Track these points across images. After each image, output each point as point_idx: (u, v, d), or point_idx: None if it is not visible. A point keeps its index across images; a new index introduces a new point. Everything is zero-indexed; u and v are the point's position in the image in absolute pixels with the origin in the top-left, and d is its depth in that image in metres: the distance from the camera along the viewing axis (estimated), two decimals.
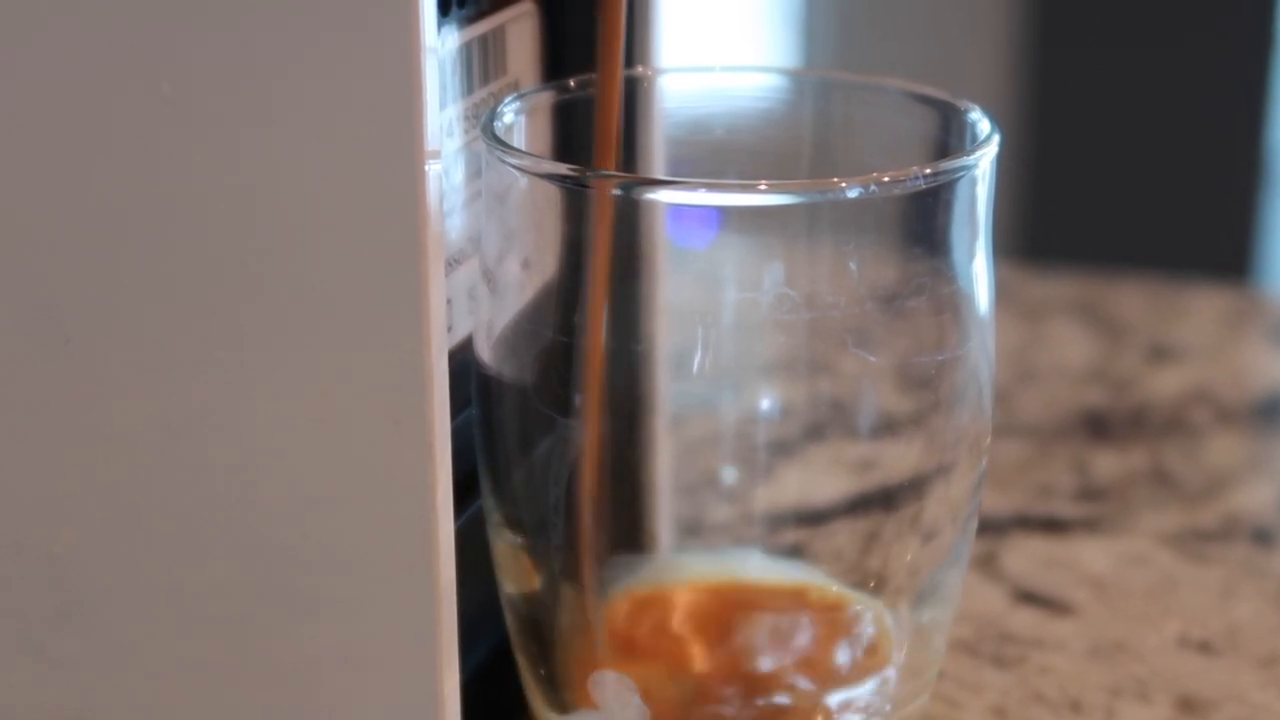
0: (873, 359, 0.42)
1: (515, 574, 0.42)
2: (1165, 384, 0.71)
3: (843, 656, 0.43)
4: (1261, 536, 0.59)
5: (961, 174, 0.39)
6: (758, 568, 0.46)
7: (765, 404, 0.46)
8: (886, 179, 0.38)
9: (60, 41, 0.35)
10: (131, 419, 0.37)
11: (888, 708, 0.42)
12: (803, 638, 0.43)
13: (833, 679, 0.43)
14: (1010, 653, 0.52)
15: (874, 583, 0.44)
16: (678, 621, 0.45)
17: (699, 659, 0.44)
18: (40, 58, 0.36)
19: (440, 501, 0.36)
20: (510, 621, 0.43)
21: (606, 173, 0.40)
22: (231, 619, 0.38)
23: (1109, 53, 1.66)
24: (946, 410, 0.42)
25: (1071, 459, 0.65)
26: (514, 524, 0.42)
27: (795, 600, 0.45)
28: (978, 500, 0.43)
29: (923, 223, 0.40)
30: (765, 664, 0.43)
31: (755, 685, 0.43)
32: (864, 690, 0.42)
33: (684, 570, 0.46)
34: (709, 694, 0.42)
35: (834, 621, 0.44)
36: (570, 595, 0.42)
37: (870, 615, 0.43)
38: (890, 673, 0.42)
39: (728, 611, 0.45)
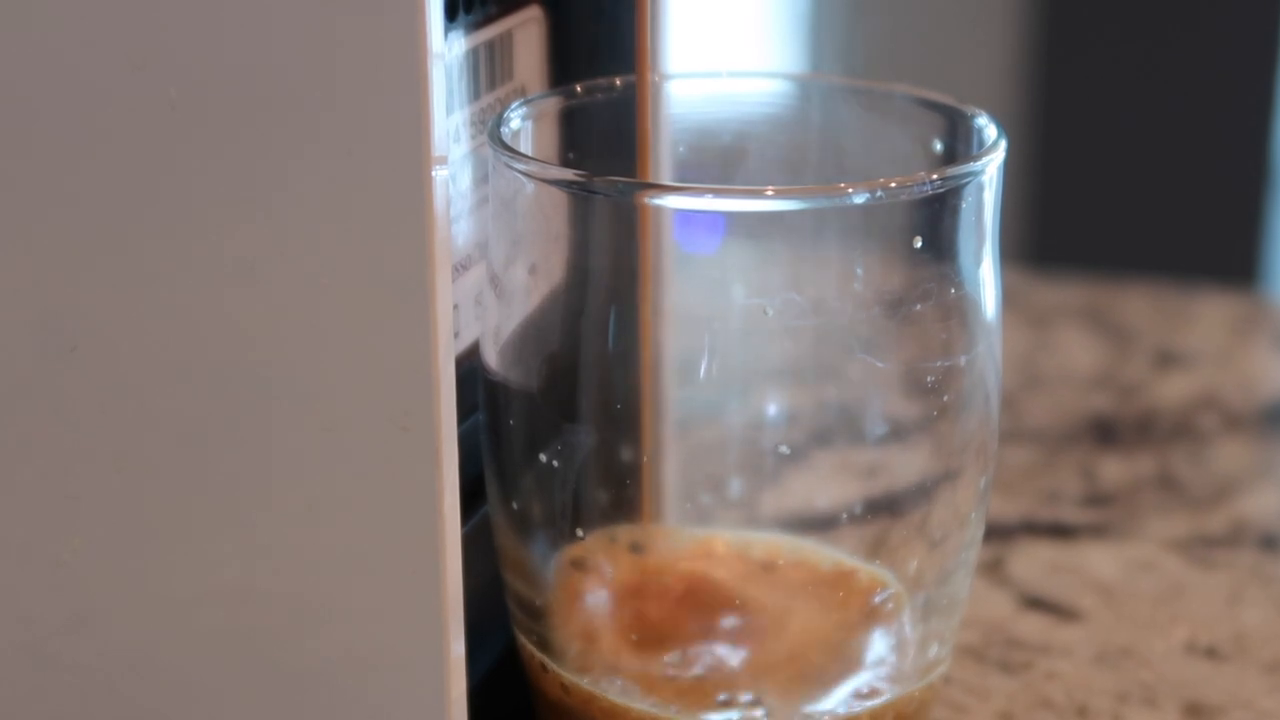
0: (880, 364, 0.42)
1: (522, 578, 0.42)
2: (1172, 390, 0.71)
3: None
4: (1269, 542, 0.59)
5: (968, 180, 0.39)
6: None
7: (772, 409, 0.46)
8: (893, 185, 0.38)
9: (65, 48, 0.35)
10: (137, 425, 0.37)
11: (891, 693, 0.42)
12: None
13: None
14: (1017, 658, 0.52)
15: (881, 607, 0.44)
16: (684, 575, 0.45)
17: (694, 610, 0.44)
18: (45, 64, 0.36)
19: (447, 506, 0.36)
20: (517, 625, 0.43)
21: (616, 179, 0.40)
22: (238, 625, 0.38)
23: (1116, 58, 1.66)
24: (953, 416, 0.42)
25: (1078, 465, 0.65)
26: (521, 528, 0.42)
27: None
28: (984, 506, 0.43)
29: (930, 228, 0.40)
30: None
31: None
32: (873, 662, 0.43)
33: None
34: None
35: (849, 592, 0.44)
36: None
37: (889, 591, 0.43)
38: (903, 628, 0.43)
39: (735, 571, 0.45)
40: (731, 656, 0.42)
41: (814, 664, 0.42)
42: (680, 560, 0.45)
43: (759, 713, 0.41)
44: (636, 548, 0.45)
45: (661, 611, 0.43)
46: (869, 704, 0.42)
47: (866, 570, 0.44)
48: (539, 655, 0.42)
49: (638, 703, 0.41)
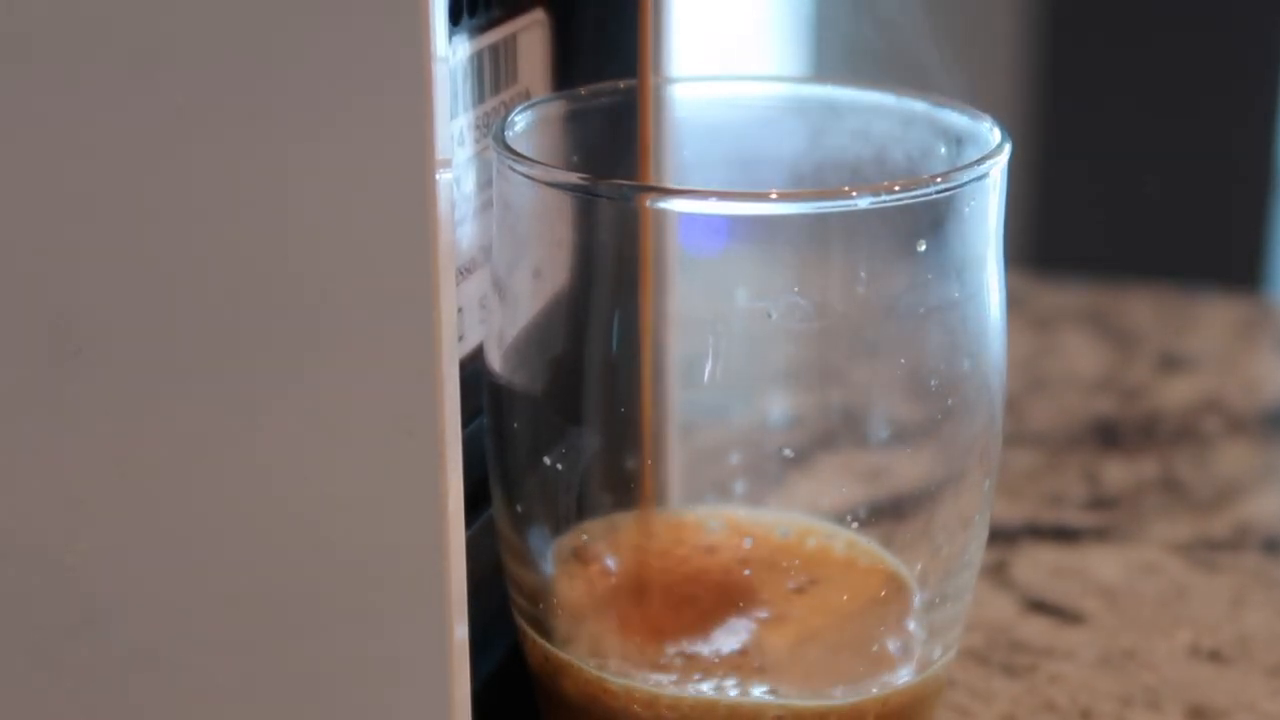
0: (884, 368, 0.42)
1: (526, 581, 0.42)
2: (1176, 393, 0.71)
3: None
4: (1272, 546, 0.59)
5: (972, 183, 0.39)
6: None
7: (776, 412, 0.46)
8: (897, 188, 0.38)
9: (72, 51, 0.36)
10: (143, 429, 0.37)
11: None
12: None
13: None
14: (1021, 661, 0.52)
15: (885, 590, 0.44)
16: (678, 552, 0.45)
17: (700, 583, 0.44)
18: (51, 68, 0.36)
19: (451, 510, 0.36)
20: (521, 629, 0.43)
21: (620, 182, 0.40)
22: (244, 628, 0.38)
23: (1120, 62, 1.66)
24: (957, 419, 0.42)
25: (1082, 468, 0.65)
26: (525, 532, 0.42)
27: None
28: (988, 508, 0.43)
29: (934, 232, 0.40)
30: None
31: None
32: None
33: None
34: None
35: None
36: None
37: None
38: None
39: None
40: (733, 639, 0.42)
41: (815, 648, 0.42)
42: (680, 544, 0.45)
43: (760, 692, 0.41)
44: (637, 532, 0.45)
45: (661, 595, 0.43)
46: (866, 694, 0.41)
47: (870, 554, 0.44)
48: (537, 638, 0.42)
49: (640, 683, 0.41)
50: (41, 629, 0.39)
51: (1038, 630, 0.54)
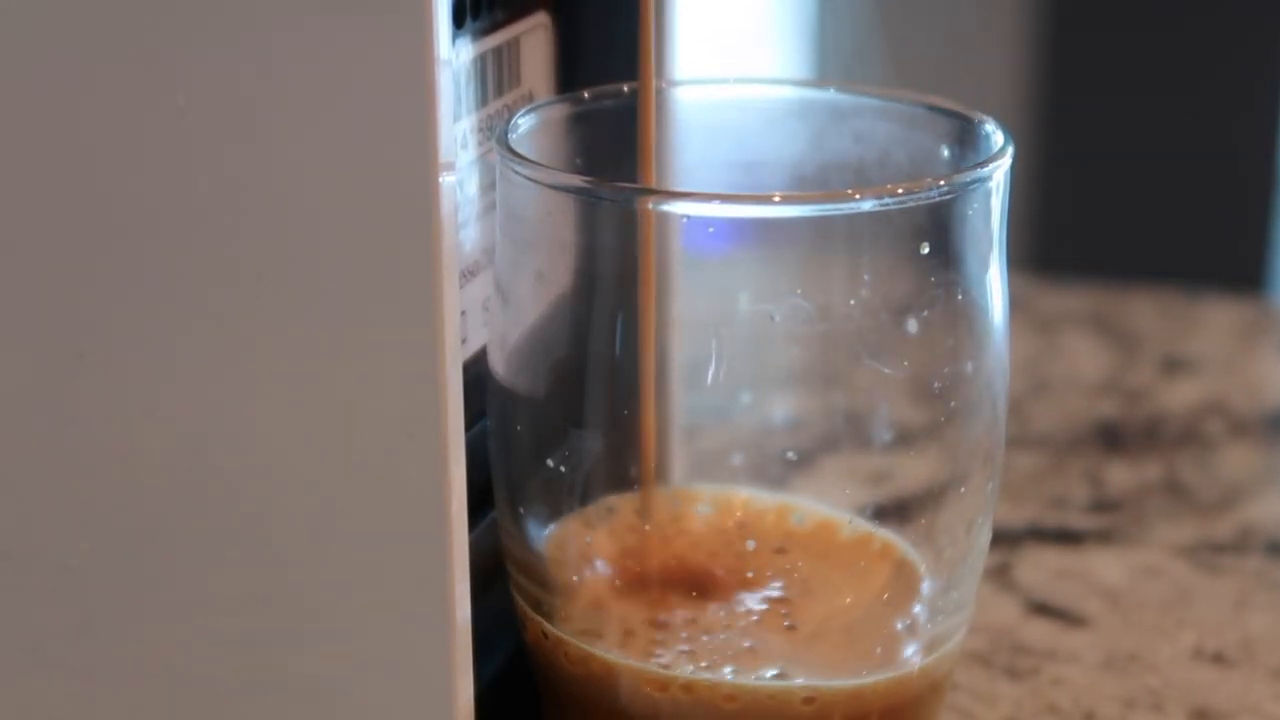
0: (887, 371, 0.42)
1: (529, 583, 0.42)
2: (1179, 395, 0.71)
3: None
4: (1276, 548, 0.59)
5: (975, 186, 0.39)
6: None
7: (779, 415, 0.46)
8: (900, 191, 0.38)
9: (74, 54, 0.36)
10: (144, 431, 0.37)
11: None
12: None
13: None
14: (1024, 664, 0.52)
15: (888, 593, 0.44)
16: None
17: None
18: (53, 71, 0.36)
19: (454, 512, 0.36)
20: (522, 612, 0.43)
21: (623, 185, 0.40)
22: (245, 630, 0.38)
23: (1122, 63, 1.66)
24: (960, 422, 0.42)
25: (1085, 470, 0.64)
26: (528, 534, 0.42)
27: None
28: (991, 511, 0.43)
29: (937, 234, 0.40)
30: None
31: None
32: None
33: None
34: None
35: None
36: None
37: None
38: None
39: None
40: (730, 619, 0.42)
41: (825, 631, 0.42)
42: (676, 522, 0.45)
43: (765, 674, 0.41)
44: (636, 513, 0.45)
45: (656, 573, 0.43)
46: (877, 678, 0.41)
47: (880, 540, 0.44)
48: (536, 617, 0.42)
49: (650, 665, 0.41)
50: (43, 630, 0.39)
51: (1041, 633, 0.54)
